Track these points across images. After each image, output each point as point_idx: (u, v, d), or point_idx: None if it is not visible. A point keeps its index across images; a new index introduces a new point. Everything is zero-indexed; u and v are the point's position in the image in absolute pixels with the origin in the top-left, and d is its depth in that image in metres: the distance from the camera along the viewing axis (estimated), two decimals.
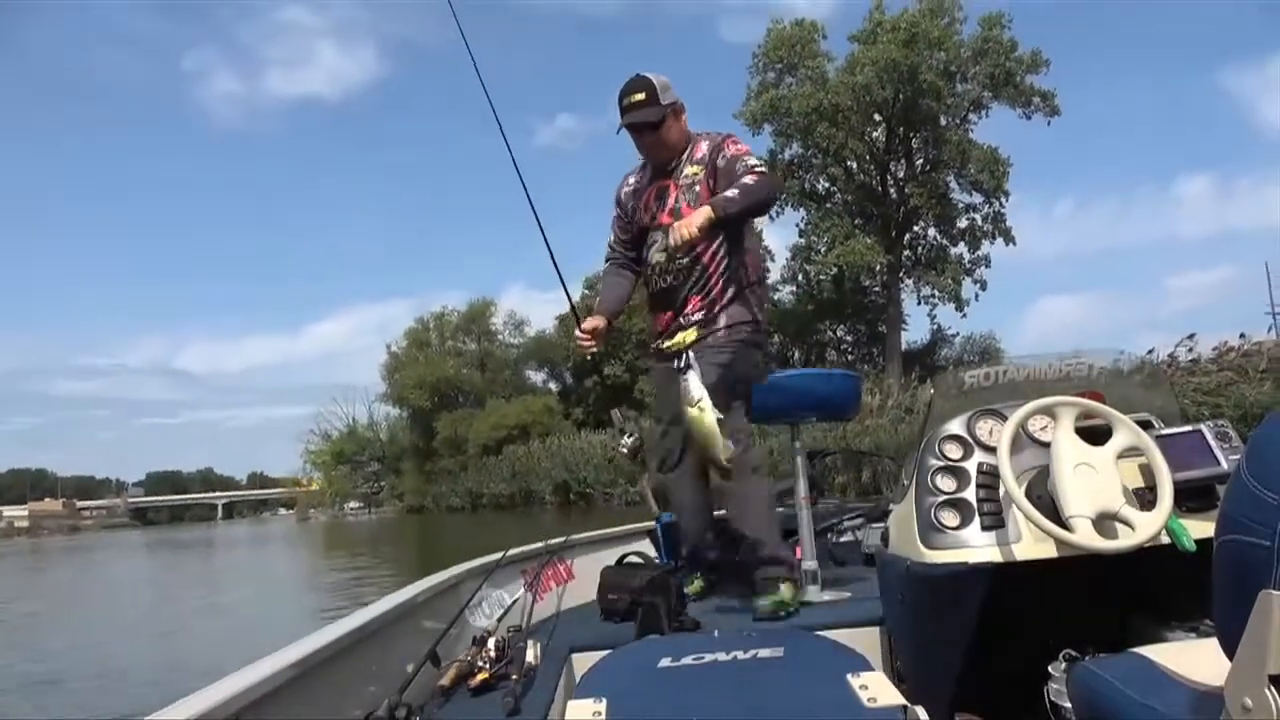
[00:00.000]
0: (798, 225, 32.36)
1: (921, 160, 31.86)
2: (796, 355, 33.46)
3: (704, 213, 2.34)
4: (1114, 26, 63.12)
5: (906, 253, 32.39)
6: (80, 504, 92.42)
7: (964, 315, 32.06)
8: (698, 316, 2.61)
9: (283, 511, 76.78)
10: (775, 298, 31.98)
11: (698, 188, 2.59)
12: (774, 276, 32.21)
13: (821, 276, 32.70)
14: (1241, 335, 14.04)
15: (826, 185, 32.77)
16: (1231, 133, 67.43)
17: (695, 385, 2.17)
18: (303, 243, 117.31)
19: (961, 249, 32.02)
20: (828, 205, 32.25)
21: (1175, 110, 65.56)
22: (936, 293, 31.55)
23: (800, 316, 33.65)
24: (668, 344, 2.66)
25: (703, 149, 2.61)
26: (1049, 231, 70.46)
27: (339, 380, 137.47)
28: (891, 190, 32.01)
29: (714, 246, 2.57)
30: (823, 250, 30.23)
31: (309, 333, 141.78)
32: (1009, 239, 31.42)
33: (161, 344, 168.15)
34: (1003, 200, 31.14)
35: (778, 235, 39.67)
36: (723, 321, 2.59)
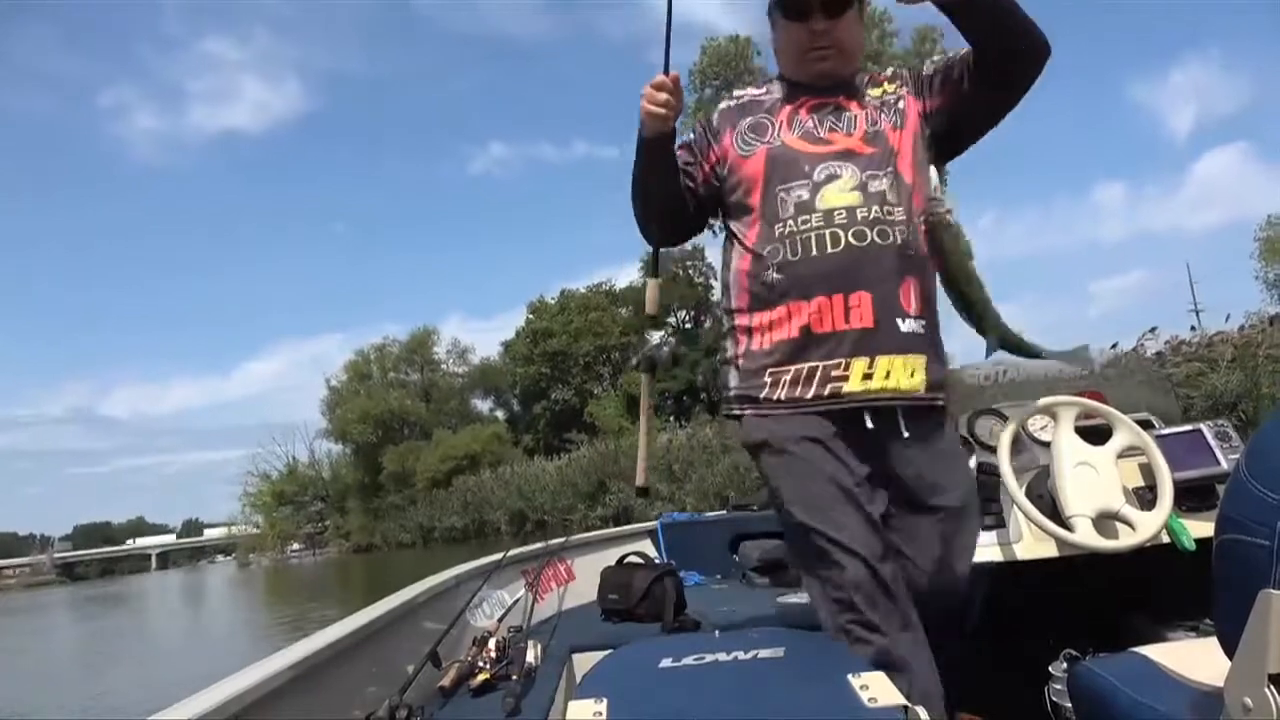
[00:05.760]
0: None
1: None
2: None
3: None
4: None
5: None
6: (1, 563, 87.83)
7: None
8: (920, 332, 1.47)
9: (220, 558, 74.03)
10: None
11: (902, 104, 1.63)
12: None
13: None
14: (1193, 328, 14.68)
15: None
16: (1140, 141, 71.16)
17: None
18: (227, 279, 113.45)
19: None
20: None
21: (1088, 122, 68.76)
22: None
23: None
24: (851, 388, 1.43)
25: (883, 76, 1.71)
26: (976, 242, 72.50)
27: (275, 419, 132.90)
28: None
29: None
30: None
31: (240, 372, 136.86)
32: None
33: (84, 391, 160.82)
34: None
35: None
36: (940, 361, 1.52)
